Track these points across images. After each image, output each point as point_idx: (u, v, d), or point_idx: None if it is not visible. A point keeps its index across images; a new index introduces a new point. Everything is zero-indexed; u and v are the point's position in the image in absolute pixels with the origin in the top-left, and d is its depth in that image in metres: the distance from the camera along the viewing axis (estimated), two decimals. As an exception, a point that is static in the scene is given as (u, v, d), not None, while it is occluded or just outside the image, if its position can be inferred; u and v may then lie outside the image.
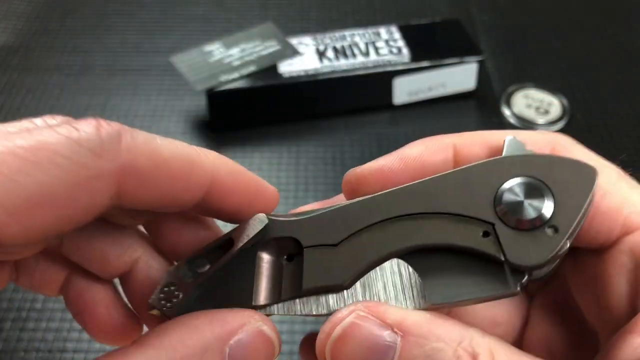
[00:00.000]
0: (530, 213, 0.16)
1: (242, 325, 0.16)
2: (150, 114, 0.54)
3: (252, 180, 0.18)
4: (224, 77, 0.51)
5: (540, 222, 0.16)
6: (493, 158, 0.17)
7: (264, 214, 0.19)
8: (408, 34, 0.56)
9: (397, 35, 0.56)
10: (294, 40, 0.55)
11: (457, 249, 0.17)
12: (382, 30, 0.56)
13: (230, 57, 0.53)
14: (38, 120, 0.16)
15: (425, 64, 0.53)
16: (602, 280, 0.17)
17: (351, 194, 0.20)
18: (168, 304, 0.18)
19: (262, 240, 0.19)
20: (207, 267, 0.19)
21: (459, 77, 0.54)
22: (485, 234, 0.17)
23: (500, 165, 0.17)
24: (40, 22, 0.65)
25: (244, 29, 0.58)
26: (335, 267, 0.18)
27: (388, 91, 0.54)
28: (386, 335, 0.15)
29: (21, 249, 0.15)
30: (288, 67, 0.52)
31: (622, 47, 0.62)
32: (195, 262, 0.19)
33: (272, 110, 0.53)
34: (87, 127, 0.15)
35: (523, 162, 0.17)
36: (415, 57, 0.53)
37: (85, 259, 0.18)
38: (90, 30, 0.64)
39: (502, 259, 0.16)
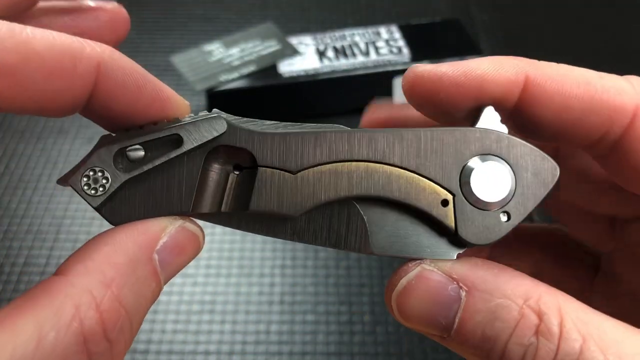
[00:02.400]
0: (491, 196, 0.17)
1: (163, 229, 0.16)
2: (150, 114, 0.54)
3: (151, 81, 0.17)
4: (223, 77, 0.51)
5: (496, 207, 0.17)
6: (473, 128, 0.17)
7: (224, 114, 0.18)
8: (408, 33, 0.56)
9: (397, 35, 0.56)
10: (294, 40, 0.55)
11: (413, 209, 0.17)
12: (382, 30, 0.56)
13: (230, 57, 0.53)
14: None
15: (425, 63, 0.53)
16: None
17: (407, 91, 0.19)
18: (92, 190, 0.17)
19: (214, 144, 0.18)
20: (142, 156, 0.17)
21: (459, 76, 0.54)
22: (444, 203, 0.17)
23: (476, 138, 0.17)
24: (40, 21, 0.65)
25: (244, 29, 0.58)
26: (289, 196, 0.17)
27: (388, 91, 0.54)
28: (451, 289, 0.15)
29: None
30: (288, 67, 0.52)
31: (621, 47, 0.62)
32: (129, 148, 0.17)
33: (272, 109, 0.53)
34: None
35: (498, 142, 0.17)
36: (415, 56, 0.53)
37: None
38: (90, 30, 0.64)
39: (453, 231, 0.16)
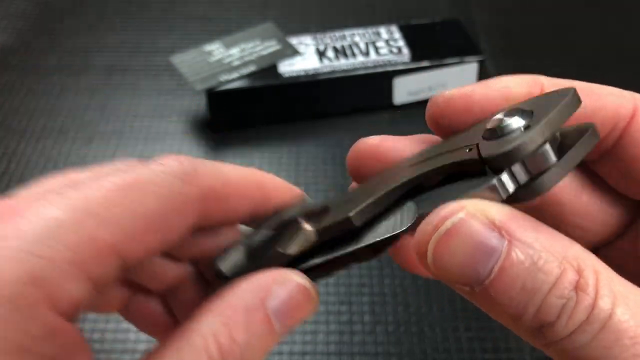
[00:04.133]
0: (508, 125, 0.16)
1: (275, 280, 0.17)
2: (150, 114, 0.54)
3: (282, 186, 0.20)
4: (223, 77, 0.51)
5: (514, 129, 0.16)
6: None
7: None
8: (408, 33, 0.56)
9: (397, 35, 0.56)
10: (294, 40, 0.55)
11: (447, 171, 0.17)
12: (382, 30, 0.56)
13: (230, 57, 0.53)
14: (119, 164, 0.18)
15: (425, 63, 0.53)
16: None
17: (436, 118, 0.19)
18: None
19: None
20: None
21: (459, 77, 0.54)
22: (469, 149, 0.17)
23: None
24: (40, 22, 0.65)
25: (244, 29, 0.58)
26: (345, 207, 0.18)
27: (388, 91, 0.54)
28: (494, 237, 0.14)
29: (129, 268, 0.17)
30: (288, 67, 0.52)
31: (621, 47, 0.62)
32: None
33: (272, 110, 0.53)
34: (170, 161, 0.17)
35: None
36: (415, 57, 0.53)
37: (146, 277, 0.20)
38: (89, 30, 0.64)
39: (477, 158, 0.16)
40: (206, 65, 0.52)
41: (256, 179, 0.19)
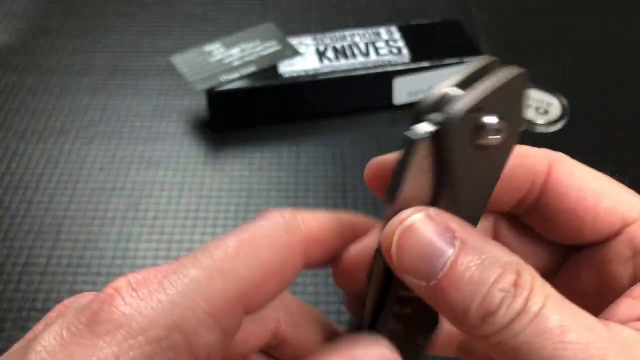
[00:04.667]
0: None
1: (365, 353, 0.19)
2: (150, 114, 0.54)
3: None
4: (224, 77, 0.51)
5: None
6: None
7: None
8: (408, 34, 0.56)
9: (397, 35, 0.56)
10: (294, 41, 0.55)
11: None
12: (382, 31, 0.56)
13: (230, 57, 0.53)
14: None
15: (425, 64, 0.53)
16: (606, 268, 0.19)
17: (370, 180, 0.21)
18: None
19: None
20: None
21: (459, 77, 0.54)
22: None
23: None
24: (41, 22, 0.65)
25: (244, 29, 0.58)
26: None
27: (388, 91, 0.54)
28: (447, 237, 0.17)
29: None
30: (288, 67, 0.52)
31: (621, 47, 0.63)
32: None
33: (272, 110, 0.53)
34: (275, 217, 0.19)
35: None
36: (415, 57, 0.53)
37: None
38: (90, 30, 0.64)
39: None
40: (206, 66, 0.52)
41: (347, 220, 0.21)
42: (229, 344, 0.18)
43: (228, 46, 0.55)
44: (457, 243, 0.17)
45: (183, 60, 0.53)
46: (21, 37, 0.63)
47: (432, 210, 0.18)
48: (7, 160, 0.50)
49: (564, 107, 0.55)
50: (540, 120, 0.54)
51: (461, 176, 0.18)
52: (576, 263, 0.21)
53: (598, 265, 0.20)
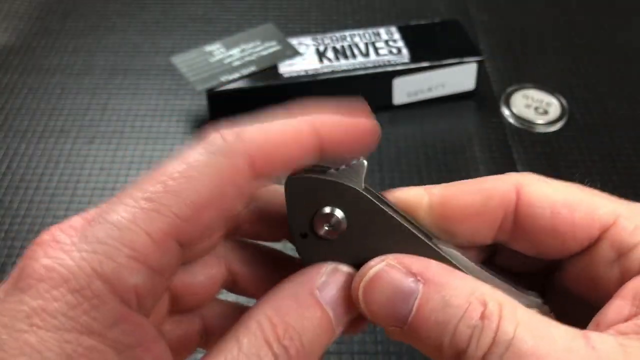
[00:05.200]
0: None
1: (319, 270, 0.19)
2: (150, 114, 0.55)
3: (351, 126, 0.21)
4: (224, 78, 0.51)
5: None
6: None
7: None
8: (407, 34, 0.56)
9: (396, 35, 0.56)
10: (294, 41, 0.55)
11: None
12: (382, 31, 0.56)
13: (230, 58, 0.54)
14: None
15: (424, 64, 0.53)
16: (594, 273, 0.20)
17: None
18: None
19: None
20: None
21: (459, 77, 0.55)
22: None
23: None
24: (41, 22, 0.65)
25: (244, 30, 0.58)
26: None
27: (388, 91, 0.54)
28: (410, 281, 0.18)
29: (198, 248, 0.19)
30: (288, 68, 0.53)
31: (621, 47, 0.63)
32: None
33: (273, 110, 0.53)
34: (214, 139, 0.19)
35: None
36: (414, 57, 0.54)
37: (252, 232, 0.22)
38: (91, 30, 0.64)
39: None
40: (207, 66, 0.53)
41: (304, 127, 0.20)
42: (168, 281, 0.18)
43: (228, 46, 0.55)
44: (421, 286, 0.17)
45: (183, 61, 0.53)
46: (22, 37, 0.63)
47: (392, 257, 0.18)
48: (8, 160, 0.51)
49: (563, 107, 0.55)
50: (540, 120, 0.54)
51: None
52: (566, 272, 0.21)
53: (586, 271, 0.20)
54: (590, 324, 0.18)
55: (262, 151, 0.19)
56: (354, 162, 0.20)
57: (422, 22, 0.59)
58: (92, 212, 0.17)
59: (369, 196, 0.20)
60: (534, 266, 0.22)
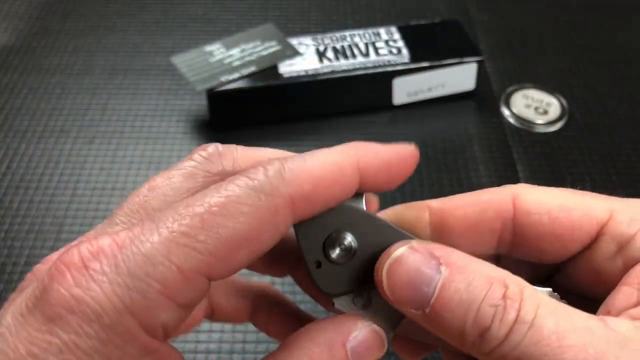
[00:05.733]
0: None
1: (355, 324, 0.20)
2: (151, 114, 0.55)
3: (394, 156, 0.20)
4: (224, 77, 0.51)
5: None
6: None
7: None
8: (408, 34, 0.56)
9: (396, 35, 0.56)
10: (294, 41, 0.55)
11: None
12: (382, 31, 0.56)
13: (230, 58, 0.54)
14: (197, 158, 0.20)
15: (424, 64, 0.53)
16: (597, 268, 0.20)
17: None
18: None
19: None
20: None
21: (459, 77, 0.55)
22: None
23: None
24: (41, 22, 0.65)
25: (244, 30, 0.58)
26: None
27: (388, 91, 0.54)
28: (433, 264, 0.18)
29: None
30: (288, 68, 0.53)
31: (620, 47, 0.63)
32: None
33: (273, 110, 0.53)
34: (256, 174, 0.18)
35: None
36: (414, 57, 0.54)
37: (260, 265, 0.23)
38: (91, 30, 0.64)
39: None
40: (207, 66, 0.53)
41: (349, 165, 0.19)
42: (193, 310, 0.18)
43: (228, 46, 0.55)
44: (443, 268, 0.18)
45: (183, 61, 0.53)
46: (22, 37, 0.63)
47: (415, 242, 0.19)
48: (8, 160, 0.51)
49: (563, 107, 0.55)
50: (540, 120, 0.54)
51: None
52: (568, 273, 0.21)
53: (588, 268, 0.20)
54: (600, 311, 0.19)
55: (304, 191, 0.18)
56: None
57: (422, 22, 0.59)
58: (123, 236, 0.17)
59: (372, 214, 0.20)
60: (535, 273, 0.22)
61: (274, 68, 0.53)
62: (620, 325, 0.17)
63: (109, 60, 0.60)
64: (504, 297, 0.17)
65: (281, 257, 0.23)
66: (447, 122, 0.54)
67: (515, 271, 0.21)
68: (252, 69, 0.52)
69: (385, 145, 0.20)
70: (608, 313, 0.18)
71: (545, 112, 0.55)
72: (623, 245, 0.19)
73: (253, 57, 0.54)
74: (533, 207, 0.20)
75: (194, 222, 0.17)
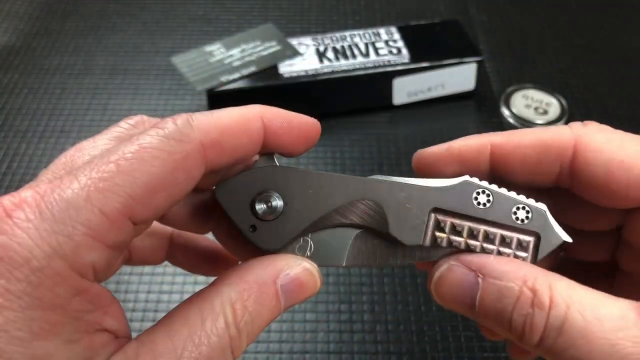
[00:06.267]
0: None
1: (286, 262, 0.20)
2: (151, 114, 0.54)
3: (296, 119, 0.23)
4: (224, 78, 0.52)
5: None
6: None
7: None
8: (407, 34, 0.56)
9: (396, 35, 0.56)
10: (294, 41, 0.55)
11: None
12: (382, 31, 0.57)
13: (230, 58, 0.54)
14: (124, 125, 0.22)
15: (424, 64, 0.53)
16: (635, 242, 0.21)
17: (422, 170, 0.24)
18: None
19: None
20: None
21: (459, 77, 0.55)
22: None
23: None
24: (42, 22, 0.65)
25: (245, 30, 0.58)
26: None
27: (388, 91, 0.54)
28: (471, 277, 0.20)
29: (144, 226, 0.20)
30: (288, 68, 0.53)
31: (620, 47, 0.63)
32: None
33: (273, 110, 0.54)
34: (167, 124, 0.19)
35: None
36: (414, 57, 0.54)
37: (183, 224, 0.24)
38: (91, 31, 0.64)
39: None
40: (207, 66, 0.53)
41: (253, 117, 0.21)
42: (122, 254, 0.19)
43: (228, 47, 0.55)
44: (480, 279, 0.20)
45: (184, 61, 0.53)
46: (22, 37, 0.63)
47: (453, 259, 0.21)
48: (8, 160, 0.51)
49: (563, 107, 0.55)
50: (540, 120, 0.54)
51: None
52: (630, 226, 0.22)
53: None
54: None
55: (212, 138, 0.20)
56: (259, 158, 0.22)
57: (422, 22, 0.59)
58: (44, 187, 0.17)
59: (287, 166, 0.21)
60: (601, 221, 0.23)
61: (274, 68, 0.53)
62: None
63: (109, 60, 0.60)
64: (533, 304, 0.18)
65: (202, 214, 0.24)
66: (447, 122, 0.54)
67: (577, 213, 0.23)
68: (252, 69, 0.52)
69: (290, 113, 0.22)
70: None
71: (545, 112, 0.55)
72: None
73: (253, 57, 0.54)
74: (592, 157, 0.21)
75: (110, 168, 0.18)
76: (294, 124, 0.23)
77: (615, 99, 0.57)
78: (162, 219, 0.23)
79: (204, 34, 0.62)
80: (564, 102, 0.56)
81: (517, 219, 0.21)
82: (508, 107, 0.55)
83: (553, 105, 0.55)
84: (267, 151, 0.22)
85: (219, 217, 0.24)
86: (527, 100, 0.56)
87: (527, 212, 0.21)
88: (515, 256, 0.21)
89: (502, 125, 0.54)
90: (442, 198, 0.21)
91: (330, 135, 0.53)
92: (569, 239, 0.21)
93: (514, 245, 0.21)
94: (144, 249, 0.25)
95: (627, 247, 0.22)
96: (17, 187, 0.51)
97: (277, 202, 0.21)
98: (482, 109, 0.56)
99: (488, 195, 0.21)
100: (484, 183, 0.21)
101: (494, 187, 0.21)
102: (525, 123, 0.54)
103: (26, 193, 0.17)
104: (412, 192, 0.22)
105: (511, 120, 0.54)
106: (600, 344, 0.17)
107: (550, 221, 0.21)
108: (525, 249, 0.21)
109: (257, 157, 0.22)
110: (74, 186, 0.17)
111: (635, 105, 0.56)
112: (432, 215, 0.21)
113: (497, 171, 0.22)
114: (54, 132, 0.53)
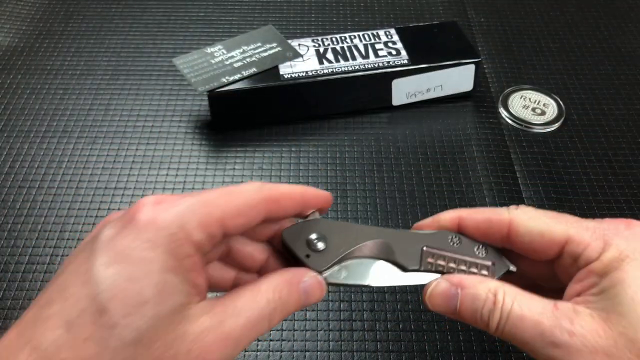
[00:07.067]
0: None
1: (306, 274, 0.29)
2: (152, 115, 0.55)
3: (302, 193, 0.30)
4: (225, 79, 0.52)
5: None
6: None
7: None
8: (406, 36, 0.57)
9: (395, 37, 0.56)
10: (295, 43, 0.56)
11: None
12: (381, 33, 0.57)
13: (231, 59, 0.54)
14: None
15: (423, 65, 0.54)
16: (565, 268, 0.30)
17: (418, 228, 0.33)
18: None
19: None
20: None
21: (457, 78, 0.55)
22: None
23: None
24: (44, 24, 0.65)
25: (245, 32, 0.58)
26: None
27: (387, 92, 0.55)
28: (453, 290, 0.29)
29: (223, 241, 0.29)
30: (288, 69, 0.53)
31: (617, 48, 0.63)
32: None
33: (273, 111, 0.54)
34: (250, 183, 0.28)
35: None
36: (413, 59, 0.54)
37: (246, 260, 0.31)
38: (93, 32, 0.64)
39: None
40: (208, 67, 0.53)
41: (299, 190, 0.30)
42: (213, 248, 0.27)
43: (229, 48, 0.55)
44: (459, 291, 0.29)
45: (185, 62, 0.54)
46: (25, 38, 0.63)
47: (442, 278, 0.30)
48: (11, 160, 0.51)
49: (560, 108, 0.56)
50: (537, 121, 0.55)
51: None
52: (556, 268, 0.31)
53: (561, 271, 0.30)
54: (564, 296, 0.29)
55: (274, 198, 0.29)
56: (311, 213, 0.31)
57: (421, 24, 0.59)
58: (175, 194, 0.27)
59: (327, 218, 0.28)
60: (539, 260, 0.31)
61: (275, 69, 0.53)
62: (564, 305, 0.27)
63: (111, 61, 0.61)
64: (495, 303, 0.28)
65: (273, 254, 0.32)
66: (445, 123, 0.55)
67: (523, 260, 0.32)
68: (253, 70, 0.53)
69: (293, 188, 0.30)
70: (564, 298, 0.28)
71: (543, 113, 0.55)
72: (575, 258, 0.29)
73: (254, 59, 0.54)
74: (520, 231, 0.30)
75: (215, 194, 0.27)
76: (321, 198, 0.31)
77: (611, 99, 0.57)
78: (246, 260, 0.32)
79: (205, 36, 0.63)
80: (561, 102, 0.56)
81: (478, 253, 0.31)
82: (506, 108, 0.56)
83: (550, 106, 0.56)
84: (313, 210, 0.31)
85: (275, 252, 0.32)
86: (524, 101, 0.56)
87: (485, 249, 0.31)
88: (481, 275, 0.30)
89: (500, 125, 0.54)
90: (429, 240, 0.31)
91: (330, 136, 0.54)
92: (514, 268, 0.31)
93: (478, 269, 0.30)
94: (215, 276, 0.32)
95: (559, 272, 0.31)
96: (20, 187, 0.51)
97: (322, 241, 0.30)
98: (480, 109, 0.56)
99: (458, 239, 0.31)
100: (454, 233, 0.31)
101: (461, 235, 0.31)
102: (523, 123, 0.54)
103: (163, 195, 0.27)
104: (410, 236, 0.31)
105: (509, 121, 0.55)
106: (530, 323, 0.27)
107: (501, 255, 0.31)
108: (487, 270, 0.31)
109: (311, 210, 0.31)
110: (194, 197, 0.27)
111: (631, 106, 0.57)
112: (424, 250, 0.31)
113: (465, 232, 0.32)
114: (57, 133, 0.53)
